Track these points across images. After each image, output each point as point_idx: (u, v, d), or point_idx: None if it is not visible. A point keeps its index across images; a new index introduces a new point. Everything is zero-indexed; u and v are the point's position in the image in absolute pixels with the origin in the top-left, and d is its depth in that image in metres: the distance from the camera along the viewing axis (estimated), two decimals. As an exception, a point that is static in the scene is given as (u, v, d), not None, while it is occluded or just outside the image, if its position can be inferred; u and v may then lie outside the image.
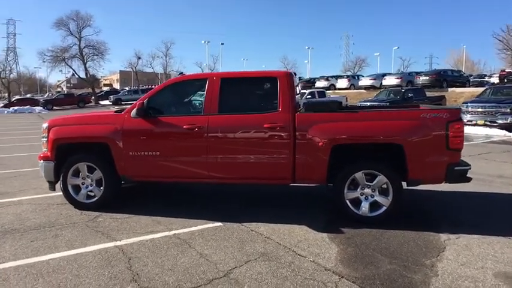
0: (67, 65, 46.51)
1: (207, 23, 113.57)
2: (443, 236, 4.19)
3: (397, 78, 29.30)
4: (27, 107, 36.23)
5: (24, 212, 5.04)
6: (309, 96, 25.62)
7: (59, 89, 77.96)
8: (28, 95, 58.41)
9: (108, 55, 52.13)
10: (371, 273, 3.37)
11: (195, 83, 5.02)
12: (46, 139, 5.16)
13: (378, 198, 4.53)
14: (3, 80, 48.56)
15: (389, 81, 29.10)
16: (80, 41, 45.35)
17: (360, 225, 4.47)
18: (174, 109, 4.98)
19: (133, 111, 4.85)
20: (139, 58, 53.41)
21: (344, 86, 33.85)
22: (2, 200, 5.65)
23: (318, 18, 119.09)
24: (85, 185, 5.13)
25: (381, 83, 30.05)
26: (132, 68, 53.66)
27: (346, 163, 4.57)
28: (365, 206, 4.54)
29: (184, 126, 4.75)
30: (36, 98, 47.95)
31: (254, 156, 4.72)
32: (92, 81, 48.59)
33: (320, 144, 4.47)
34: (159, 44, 72.68)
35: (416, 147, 4.36)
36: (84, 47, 45.80)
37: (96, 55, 46.23)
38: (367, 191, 4.54)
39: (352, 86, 33.65)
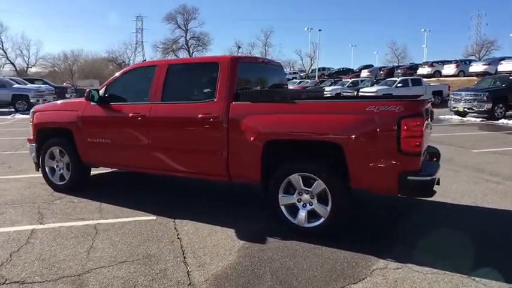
0: (175, 55, 50.75)
1: (308, 9, 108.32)
2: (381, 263, 3.31)
3: (517, 63, 24.56)
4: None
5: (11, 188, 5.58)
6: (400, 85, 23.27)
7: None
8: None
9: (211, 45, 55.12)
10: (231, 296, 2.82)
11: (147, 70, 4.82)
12: (31, 123, 5.60)
13: (316, 206, 3.79)
14: (123, 71, 55.01)
15: (506, 66, 24.53)
16: (186, 33, 49.04)
17: (295, 236, 3.82)
18: (127, 97, 4.88)
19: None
20: (239, 47, 55.30)
21: (451, 73, 29.84)
22: (11, 176, 6.35)
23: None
24: (58, 168, 5.43)
25: (497, 69, 25.60)
26: (232, 57, 55.80)
27: (283, 162, 3.93)
28: (302, 215, 3.85)
29: (130, 115, 4.64)
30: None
31: (191, 149, 4.37)
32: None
33: (252, 139, 3.91)
34: (259, 33, 73.77)
35: (359, 148, 3.50)
36: (190, 39, 49.40)
37: (200, 46, 49.47)
38: (306, 197, 3.83)
39: (462, 72, 29.46)
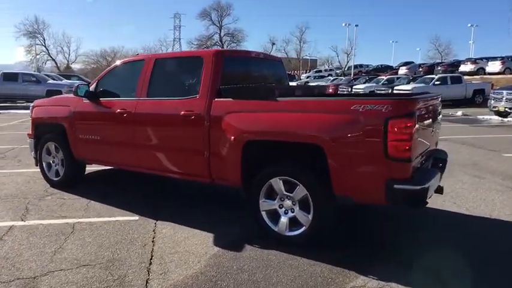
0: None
1: (347, 4, 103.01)
2: (360, 280, 2.95)
3: None
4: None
5: (10, 182, 5.63)
6: (438, 83, 22.02)
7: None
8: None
9: (245, 42, 54.82)
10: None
11: (136, 65, 4.65)
12: (30, 118, 5.63)
13: (298, 214, 3.46)
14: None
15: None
16: (220, 29, 49.22)
17: (276, 245, 3.51)
18: (116, 92, 4.73)
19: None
20: (273, 44, 54.79)
21: (496, 70, 27.87)
22: (17, 170, 6.45)
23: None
24: (54, 164, 5.42)
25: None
26: (266, 54, 55.36)
27: (265, 165, 3.62)
28: (283, 222, 3.54)
29: (117, 111, 4.50)
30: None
31: (174, 147, 4.17)
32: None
33: (232, 138, 3.64)
34: (294, 29, 72.24)
35: (342, 151, 3.13)
36: (224, 35, 49.54)
37: (234, 42, 49.43)
38: (288, 203, 3.52)
39: (508, 69, 27.50)
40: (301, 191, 3.38)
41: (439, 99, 4.15)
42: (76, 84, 4.86)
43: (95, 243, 3.61)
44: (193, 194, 5.23)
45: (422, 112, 3.31)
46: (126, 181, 5.88)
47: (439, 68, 31.47)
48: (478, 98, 22.49)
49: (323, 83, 37.19)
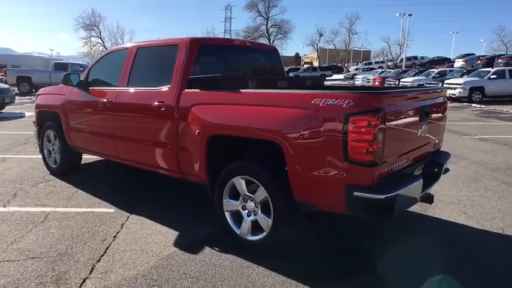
0: (256, 44, 51.04)
1: None
2: (310, 299, 2.59)
3: None
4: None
5: (16, 168, 5.80)
6: (494, 76, 20.13)
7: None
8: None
9: (292, 33, 53.81)
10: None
11: (122, 53, 4.51)
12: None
13: (259, 217, 3.15)
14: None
15: None
16: (267, 21, 48.69)
17: (237, 249, 3.24)
18: (103, 81, 4.65)
19: (74, 82, 4.83)
20: (321, 35, 53.23)
21: None
22: (29, 155, 6.66)
23: None
24: (54, 151, 5.50)
25: None
26: (313, 45, 54.22)
27: (229, 162, 3.34)
28: (245, 225, 3.25)
29: (101, 100, 4.42)
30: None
31: (147, 139, 4.00)
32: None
33: (197, 132, 3.40)
34: (343, 20, 69.52)
35: (300, 151, 2.77)
36: (271, 27, 48.98)
37: (281, 34, 48.80)
38: (251, 205, 3.21)
39: None
40: (262, 193, 3.06)
41: (441, 92, 3.61)
42: (64, 73, 4.84)
43: (57, 234, 3.54)
44: (183, 189, 5.05)
45: (402, 109, 2.85)
46: (127, 172, 5.81)
47: (500, 60, 28.75)
48: (542, 95, 20.29)
49: (370, 76, 35.64)
